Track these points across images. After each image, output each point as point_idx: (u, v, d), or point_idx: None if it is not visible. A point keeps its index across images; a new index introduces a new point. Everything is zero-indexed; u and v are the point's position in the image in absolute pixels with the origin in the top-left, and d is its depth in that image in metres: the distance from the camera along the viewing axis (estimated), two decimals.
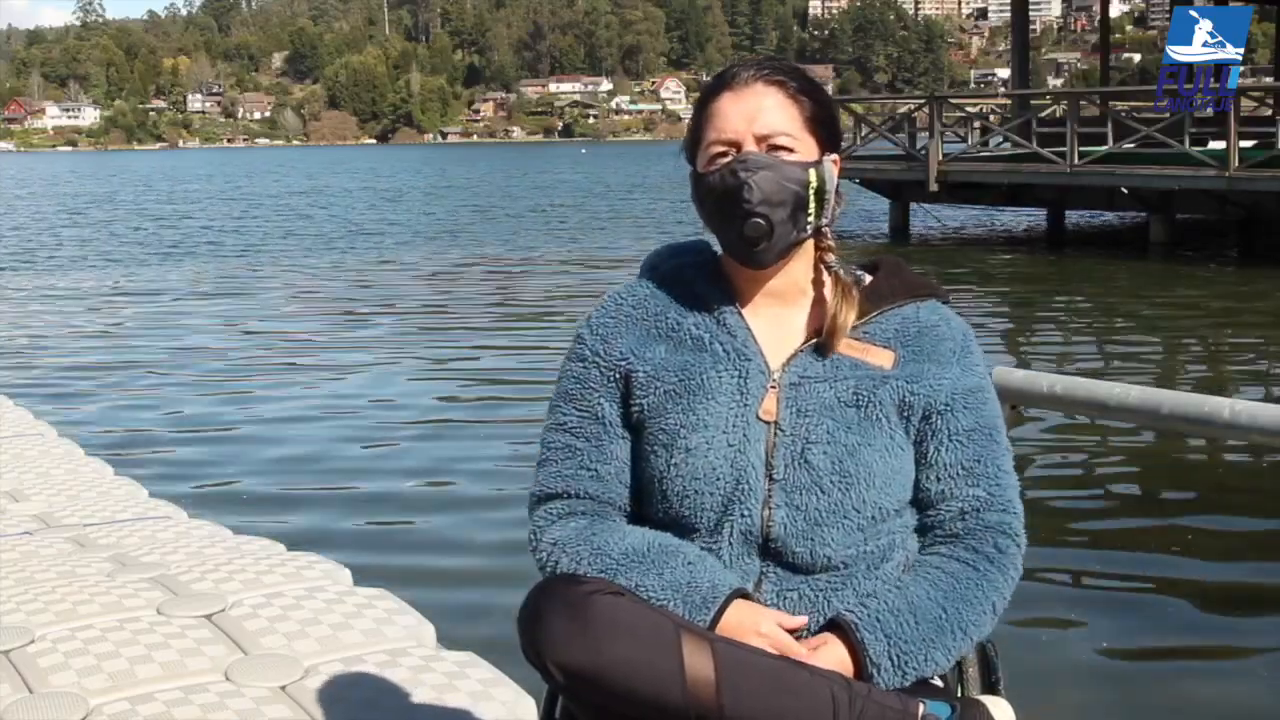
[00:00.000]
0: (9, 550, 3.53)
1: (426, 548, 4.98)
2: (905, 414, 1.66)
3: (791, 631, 1.56)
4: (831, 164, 1.69)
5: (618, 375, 1.71)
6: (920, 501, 1.69)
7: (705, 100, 1.70)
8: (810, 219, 1.66)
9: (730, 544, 1.62)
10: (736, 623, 1.54)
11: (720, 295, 1.72)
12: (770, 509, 1.61)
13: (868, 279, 1.75)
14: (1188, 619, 4.23)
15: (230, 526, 3.90)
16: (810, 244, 1.71)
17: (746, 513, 1.61)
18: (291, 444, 6.77)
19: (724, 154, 1.65)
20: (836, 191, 1.70)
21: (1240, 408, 3.82)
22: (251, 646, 2.78)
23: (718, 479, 1.62)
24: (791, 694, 1.46)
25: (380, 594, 3.14)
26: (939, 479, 1.67)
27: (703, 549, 1.62)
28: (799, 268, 1.71)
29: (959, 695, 1.72)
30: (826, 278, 1.71)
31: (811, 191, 1.65)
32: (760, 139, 1.64)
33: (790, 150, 1.65)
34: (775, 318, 1.71)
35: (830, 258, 1.71)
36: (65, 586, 3.13)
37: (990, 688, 1.75)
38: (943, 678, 1.66)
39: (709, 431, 1.63)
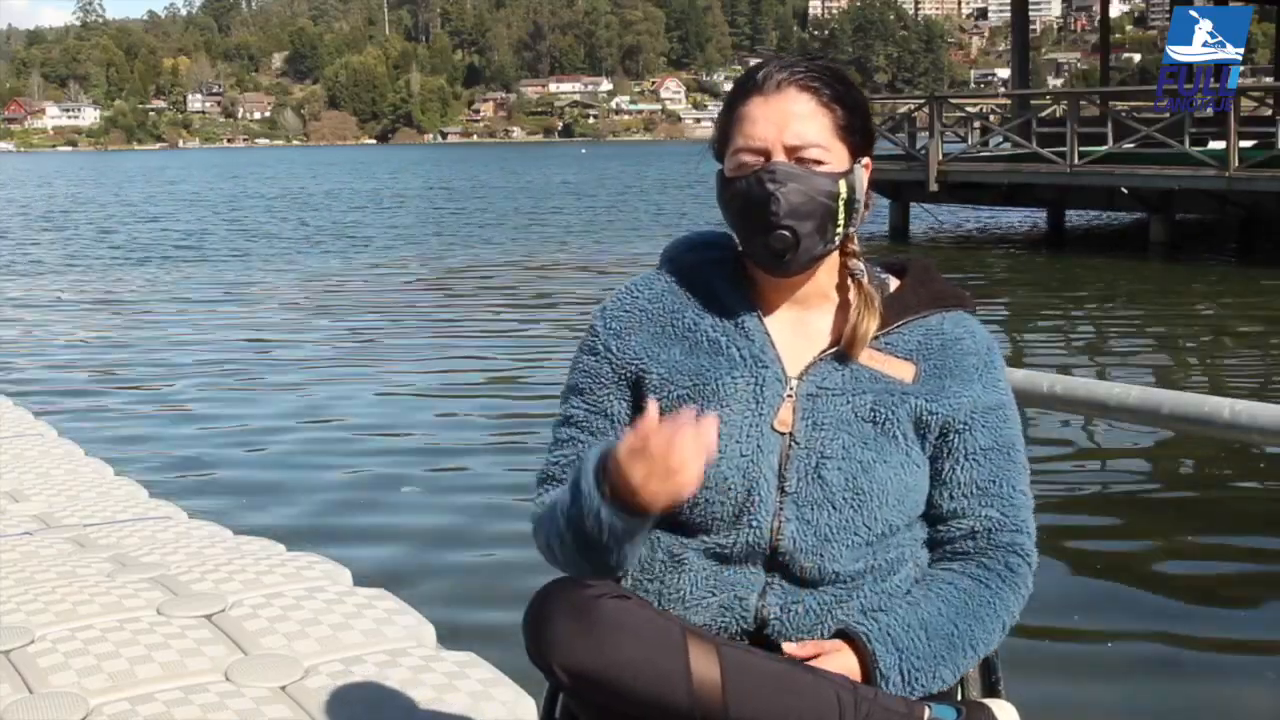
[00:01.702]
0: (9, 550, 3.52)
1: (426, 548, 4.98)
2: (922, 431, 1.63)
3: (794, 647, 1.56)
4: (863, 170, 1.65)
5: (629, 374, 1.68)
6: (931, 517, 1.66)
7: (735, 100, 1.64)
8: (839, 229, 1.62)
9: (737, 553, 1.60)
10: (614, 471, 1.47)
11: (740, 297, 1.68)
12: (780, 521, 1.59)
13: (893, 283, 1.72)
14: (1190, 619, 4.22)
15: (230, 526, 3.90)
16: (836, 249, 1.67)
17: (756, 524, 1.59)
18: (291, 445, 6.76)
19: (752, 161, 1.60)
20: (865, 196, 1.66)
21: (1240, 408, 3.82)
22: (251, 647, 2.77)
23: (729, 488, 1.59)
24: (796, 696, 1.45)
25: (380, 594, 3.14)
26: (952, 497, 1.64)
27: (709, 554, 1.61)
28: (823, 273, 1.67)
29: (961, 698, 1.71)
30: (850, 283, 1.67)
31: (841, 203, 1.61)
32: (790, 150, 1.59)
33: (820, 162, 1.60)
34: (796, 322, 1.67)
35: (855, 264, 1.67)
36: (65, 586, 3.12)
37: (990, 688, 1.74)
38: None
39: (721, 440, 1.59)
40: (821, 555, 1.59)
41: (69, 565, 3.36)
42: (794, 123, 1.59)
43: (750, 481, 1.59)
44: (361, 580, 3.35)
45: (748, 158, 1.61)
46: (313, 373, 8.92)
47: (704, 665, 1.44)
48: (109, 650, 2.72)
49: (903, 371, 1.64)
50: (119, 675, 2.61)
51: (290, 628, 2.87)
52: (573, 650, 1.43)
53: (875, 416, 1.61)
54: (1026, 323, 11.65)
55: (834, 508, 1.58)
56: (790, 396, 1.62)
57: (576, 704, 1.52)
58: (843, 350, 1.64)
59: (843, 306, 1.67)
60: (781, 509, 1.59)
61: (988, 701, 1.61)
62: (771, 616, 1.59)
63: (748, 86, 1.64)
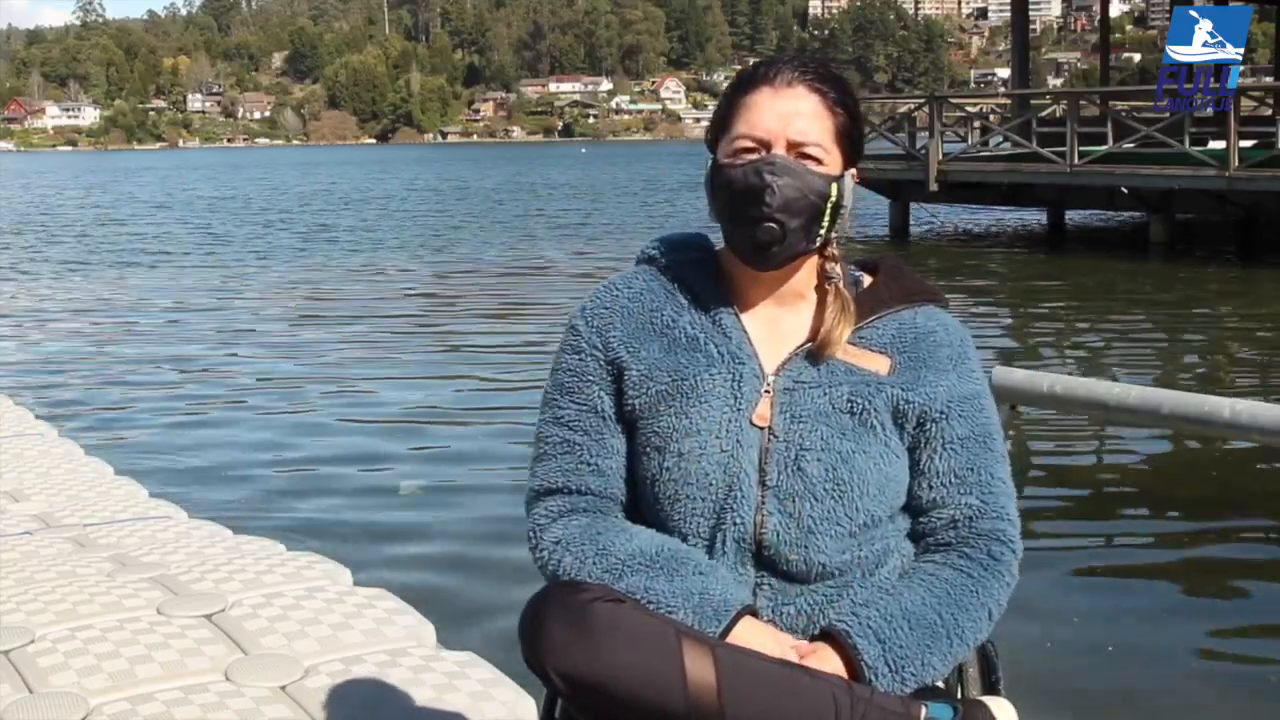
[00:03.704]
0: (9, 550, 3.53)
1: (426, 548, 4.98)
2: (900, 421, 1.64)
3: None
4: (851, 178, 1.67)
5: (614, 370, 1.68)
6: (913, 509, 1.67)
7: (741, 89, 1.66)
8: (823, 232, 1.64)
9: (724, 551, 1.60)
10: (743, 641, 1.52)
11: (718, 294, 1.70)
12: (763, 516, 1.60)
13: (866, 280, 1.74)
14: (1189, 619, 4.23)
15: (230, 526, 3.90)
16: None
17: (739, 520, 1.60)
18: (291, 444, 6.77)
19: (751, 150, 1.62)
20: (850, 205, 1.68)
21: (1240, 408, 3.84)
22: (251, 646, 2.78)
23: (710, 484, 1.60)
24: (793, 696, 1.45)
25: (380, 594, 3.14)
26: (931, 486, 1.65)
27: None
28: (801, 274, 1.69)
29: (960, 696, 1.72)
30: (828, 287, 1.69)
31: (829, 205, 1.63)
32: (792, 145, 1.61)
33: (818, 161, 1.62)
34: (772, 319, 1.69)
35: (832, 268, 1.69)
36: (65, 586, 3.13)
37: (990, 688, 1.74)
38: (944, 679, 1.66)
39: (701, 437, 1.61)
40: (806, 547, 1.59)
41: (69, 565, 3.36)
42: (799, 119, 1.62)
43: (731, 477, 1.60)
44: (361, 580, 3.35)
45: (747, 144, 1.62)
46: (313, 374, 8.91)
47: (699, 668, 1.44)
48: (109, 650, 2.72)
49: (877, 365, 1.66)
50: (119, 675, 2.61)
51: (290, 627, 2.88)
52: (568, 655, 1.43)
53: (853, 408, 1.62)
54: (1027, 323, 11.65)
55: (815, 499, 1.59)
56: (768, 391, 1.64)
57: (575, 708, 1.52)
58: (814, 351, 1.65)
59: (819, 307, 1.69)
60: (763, 503, 1.60)
61: (985, 699, 1.61)
62: (763, 618, 1.59)
63: (756, 78, 1.65)
